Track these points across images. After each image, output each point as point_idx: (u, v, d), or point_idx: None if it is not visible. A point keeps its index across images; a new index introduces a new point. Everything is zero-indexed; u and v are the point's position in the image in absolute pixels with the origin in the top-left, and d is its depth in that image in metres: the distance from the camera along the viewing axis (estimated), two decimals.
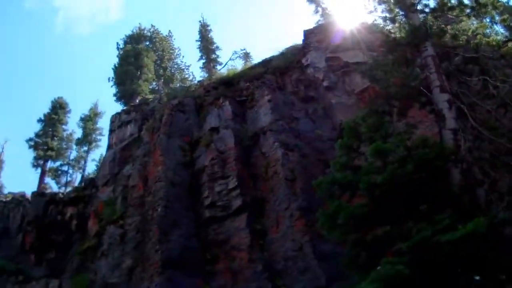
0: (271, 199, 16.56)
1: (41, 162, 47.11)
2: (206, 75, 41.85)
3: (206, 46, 44.26)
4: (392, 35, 15.51)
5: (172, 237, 15.98)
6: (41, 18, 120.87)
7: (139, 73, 46.79)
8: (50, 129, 49.02)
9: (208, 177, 18.36)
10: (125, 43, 51.38)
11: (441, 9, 14.69)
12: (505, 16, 15.45)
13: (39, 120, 49.90)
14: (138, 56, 48.34)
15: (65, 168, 48.91)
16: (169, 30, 61.31)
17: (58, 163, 49.06)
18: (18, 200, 38.21)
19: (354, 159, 12.17)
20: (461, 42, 14.93)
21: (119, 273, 18.33)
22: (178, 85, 47.59)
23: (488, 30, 16.48)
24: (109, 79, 48.39)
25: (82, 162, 49.73)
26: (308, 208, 15.08)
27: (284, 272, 14.09)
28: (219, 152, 19.44)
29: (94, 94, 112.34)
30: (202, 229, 16.87)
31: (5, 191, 50.27)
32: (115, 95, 46.80)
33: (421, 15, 15.15)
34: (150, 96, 41.52)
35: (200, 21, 46.21)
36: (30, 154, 47.21)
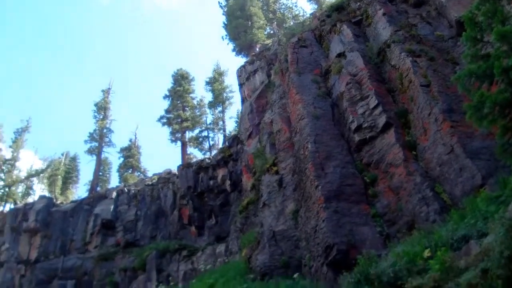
0: (412, 108, 16.85)
1: (178, 135, 50.67)
2: (315, 6, 42.18)
3: None
4: None
5: (329, 169, 16.88)
6: None
7: (249, 23, 48.21)
8: (179, 102, 52.35)
9: (348, 102, 19.06)
10: None
11: None
12: None
13: (165, 96, 53.67)
14: (243, 7, 49.78)
15: (204, 133, 52.10)
16: None
17: (196, 131, 52.38)
18: (165, 178, 41.38)
19: (482, 49, 12.16)
20: None
21: (284, 219, 19.70)
22: (291, 23, 48.39)
23: None
24: (222, 37, 50.55)
25: (220, 122, 52.68)
26: (449, 110, 15.29)
27: (441, 177, 14.42)
28: (351, 75, 20.02)
29: (210, 58, 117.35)
30: (355, 154, 17.64)
31: (149, 174, 54.83)
32: (233, 50, 48.81)
33: None
34: (268, 41, 42.82)
35: None
36: (165, 132, 50.75)
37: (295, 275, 15.36)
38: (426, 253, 9.14)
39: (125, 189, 43.60)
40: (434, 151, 14.77)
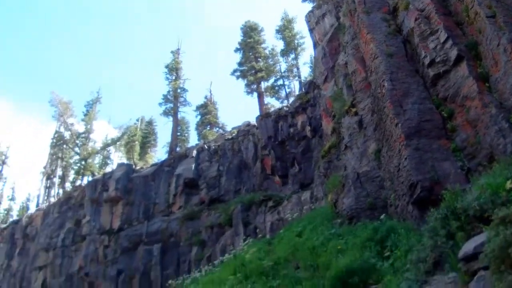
0: (481, 40, 16.40)
1: (254, 86, 51.37)
2: None
3: None
4: None
5: (407, 106, 16.90)
6: None
7: None
8: (251, 53, 52.86)
9: (418, 38, 18.79)
10: None
11: None
12: None
13: (236, 50, 54.49)
14: None
15: (280, 82, 52.62)
16: None
17: (271, 81, 52.91)
18: (245, 131, 42.12)
19: None
20: None
21: (367, 160, 20.01)
22: None
23: None
24: None
25: (295, 70, 52.91)
26: None
27: None
28: (419, 10, 19.64)
29: (276, 7, 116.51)
30: (430, 90, 17.53)
31: (228, 128, 56.06)
32: None
33: None
34: None
35: None
36: (240, 85, 51.66)
37: (382, 216, 15.62)
38: (508, 184, 9.26)
39: (205, 146, 44.71)
40: (506, 82, 14.48)
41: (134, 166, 51.61)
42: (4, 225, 65.53)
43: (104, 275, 42.15)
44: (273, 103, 53.98)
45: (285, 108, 36.88)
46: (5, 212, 79.66)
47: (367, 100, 20.75)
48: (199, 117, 64.01)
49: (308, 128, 32.04)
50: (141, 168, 51.50)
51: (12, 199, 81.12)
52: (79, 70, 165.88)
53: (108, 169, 62.75)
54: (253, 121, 42.51)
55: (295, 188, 31.60)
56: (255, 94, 51.56)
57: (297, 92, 46.78)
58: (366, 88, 21.08)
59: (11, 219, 70.08)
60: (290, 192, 31.29)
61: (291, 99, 44.34)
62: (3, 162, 77.97)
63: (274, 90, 52.72)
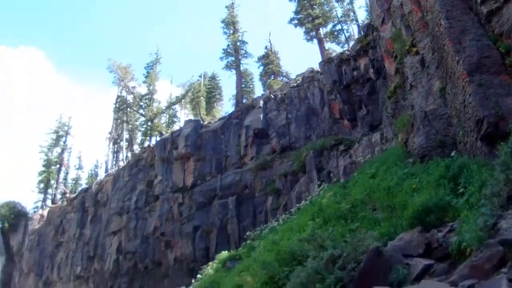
0: None
1: (313, 33, 51.13)
2: None
3: None
4: None
5: (465, 43, 16.76)
6: None
7: None
8: (305, 1, 52.38)
9: None
10: None
11: None
12: None
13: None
14: None
15: (338, 27, 52.16)
16: None
17: (329, 27, 52.51)
18: (309, 77, 42.23)
19: None
20: None
21: (433, 98, 20.01)
22: None
23: None
24: None
25: (351, 14, 52.27)
26: None
27: None
28: None
29: None
30: (486, 26, 17.23)
31: (292, 76, 56.24)
32: None
33: None
34: None
35: None
36: (298, 33, 51.56)
37: (453, 153, 15.78)
38: None
39: (271, 95, 45.04)
40: None
41: (201, 122, 52.56)
42: (73, 195, 68.54)
43: (180, 233, 43.53)
44: (334, 48, 53.82)
45: (346, 52, 36.69)
46: (73, 181, 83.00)
47: (426, 39, 20.63)
48: (261, 67, 64.69)
49: (371, 70, 31.90)
50: (209, 123, 52.45)
51: (80, 168, 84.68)
52: (134, 34, 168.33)
53: (176, 127, 64.59)
54: (316, 67, 42.61)
55: (364, 131, 31.69)
56: (315, 40, 51.39)
57: (356, 36, 46.32)
58: (423, 28, 20.92)
59: (80, 188, 73.12)
60: (360, 135, 31.41)
61: (351, 43, 44.02)
62: (67, 133, 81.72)
63: (333, 35, 52.30)
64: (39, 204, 76.63)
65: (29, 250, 66.77)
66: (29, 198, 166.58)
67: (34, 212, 73.69)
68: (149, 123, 66.64)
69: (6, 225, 69.52)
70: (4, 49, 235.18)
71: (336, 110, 36.07)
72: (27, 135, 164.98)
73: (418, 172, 16.67)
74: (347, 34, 52.27)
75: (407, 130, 20.33)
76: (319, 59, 46.78)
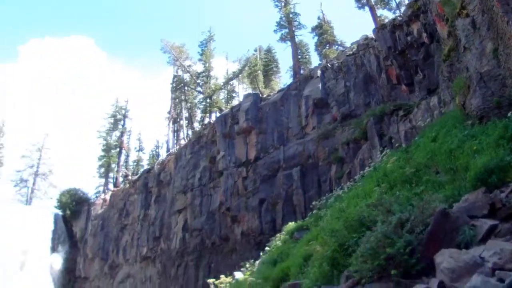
0: None
1: (364, 1, 50.76)
2: None
3: None
4: None
5: None
6: None
7: None
8: None
9: None
10: None
11: None
12: None
13: None
14: None
15: None
16: None
17: None
18: (364, 44, 42.11)
19: None
20: None
21: (486, 60, 19.89)
22: None
23: None
24: None
25: None
26: None
27: None
28: None
29: None
30: None
31: (347, 44, 56.07)
32: None
33: None
34: None
35: None
36: (349, 1, 51.33)
37: (509, 114, 15.76)
38: None
39: (328, 64, 45.02)
40: None
41: (260, 95, 52.86)
42: (135, 177, 69.62)
43: (246, 207, 43.87)
44: (386, 14, 53.27)
45: (398, 18, 36.36)
46: (135, 164, 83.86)
47: (475, 1, 20.49)
48: (316, 38, 64.52)
49: (424, 34, 31.51)
50: (268, 95, 52.93)
51: (140, 149, 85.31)
52: (184, 13, 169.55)
53: (235, 102, 65.47)
54: (369, 34, 42.40)
55: (422, 95, 31.44)
56: (366, 8, 51.08)
57: (406, 1, 45.68)
58: None
59: (142, 170, 73.88)
60: (418, 99, 31.25)
61: (402, 9, 43.53)
62: (125, 116, 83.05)
63: (384, 2, 51.73)
64: (101, 189, 78.58)
65: (92, 236, 68.21)
66: (89, 184, 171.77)
67: (96, 197, 75.31)
68: (208, 100, 67.63)
69: (68, 212, 70.90)
70: (53, 40, 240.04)
71: (393, 75, 35.93)
72: (84, 123, 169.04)
73: (477, 134, 16.71)
74: (397, 0, 51.72)
75: (463, 93, 20.37)
76: (372, 26, 46.58)
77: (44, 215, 71.16)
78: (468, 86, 20.08)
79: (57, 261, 67.55)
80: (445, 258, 7.95)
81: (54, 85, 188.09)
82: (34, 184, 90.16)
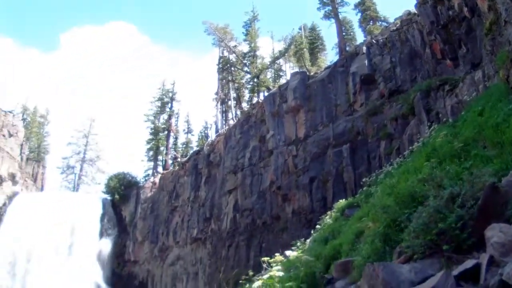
0: None
1: None
2: None
3: None
4: None
5: None
6: None
7: None
8: None
9: None
10: None
11: None
12: None
13: None
14: None
15: None
16: None
17: None
18: (407, 20, 41.76)
19: None
20: None
21: None
22: None
23: None
24: None
25: None
26: None
27: None
28: None
29: None
30: None
31: (390, 20, 55.56)
32: None
33: None
34: None
35: None
36: None
37: None
38: None
39: (373, 40, 44.35)
40: None
41: (308, 73, 52.32)
42: (185, 159, 69.40)
43: (296, 185, 43.39)
44: None
45: None
46: (184, 146, 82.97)
47: None
48: (359, 14, 64.13)
49: (465, 9, 31.15)
50: (315, 73, 52.38)
51: (189, 131, 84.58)
52: None
53: (282, 81, 64.58)
54: (412, 9, 42.09)
55: (467, 69, 31.00)
56: None
57: None
58: None
59: (191, 151, 73.51)
60: (463, 74, 31.00)
61: None
62: (172, 99, 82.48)
63: None
64: (150, 172, 78.27)
65: (142, 219, 68.01)
66: (138, 168, 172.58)
67: (146, 180, 75.08)
68: (255, 80, 67.37)
69: (117, 197, 70.65)
70: (94, 28, 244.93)
71: (438, 50, 35.63)
72: (131, 108, 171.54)
73: None
74: None
75: (506, 66, 20.31)
76: (414, 1, 45.92)
77: (92, 200, 71.79)
78: (510, 60, 20.08)
79: (107, 245, 67.29)
80: (495, 233, 7.71)
81: (98, 71, 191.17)
82: (81, 170, 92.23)
